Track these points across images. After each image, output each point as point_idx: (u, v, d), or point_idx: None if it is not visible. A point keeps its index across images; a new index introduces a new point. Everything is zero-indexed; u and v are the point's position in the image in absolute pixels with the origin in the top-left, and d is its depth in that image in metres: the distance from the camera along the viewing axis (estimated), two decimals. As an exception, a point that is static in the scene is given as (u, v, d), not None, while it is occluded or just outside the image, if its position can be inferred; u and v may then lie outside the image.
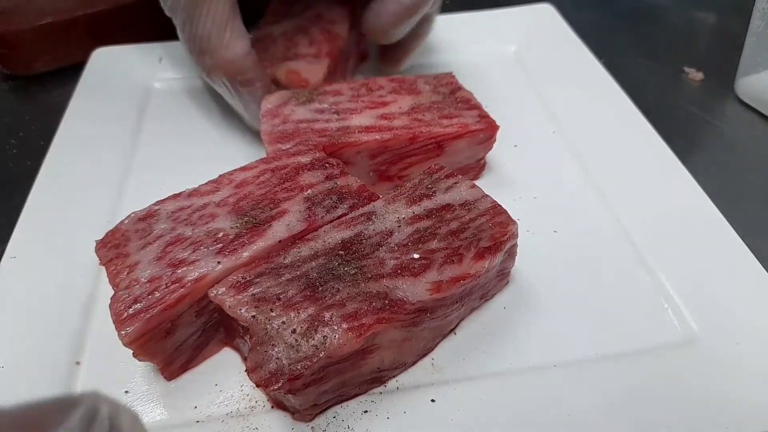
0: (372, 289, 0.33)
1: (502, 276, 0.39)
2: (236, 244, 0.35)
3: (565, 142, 0.52)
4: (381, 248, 0.35)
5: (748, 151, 0.54)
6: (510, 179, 0.48)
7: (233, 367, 0.36)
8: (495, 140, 0.46)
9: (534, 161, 0.50)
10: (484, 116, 0.45)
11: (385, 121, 0.44)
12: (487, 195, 0.38)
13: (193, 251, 0.35)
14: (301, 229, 0.36)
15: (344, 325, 0.31)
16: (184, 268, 0.34)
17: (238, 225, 0.36)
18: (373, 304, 0.32)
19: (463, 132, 0.44)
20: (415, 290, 0.33)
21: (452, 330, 0.37)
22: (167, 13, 0.45)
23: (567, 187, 0.47)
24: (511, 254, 0.38)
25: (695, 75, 0.63)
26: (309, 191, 0.38)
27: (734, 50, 0.59)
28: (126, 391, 0.35)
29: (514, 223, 0.37)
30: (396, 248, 0.35)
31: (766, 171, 0.51)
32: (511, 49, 0.63)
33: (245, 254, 0.34)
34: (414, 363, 0.36)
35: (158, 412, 0.34)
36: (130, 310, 0.32)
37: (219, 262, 0.34)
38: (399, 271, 0.34)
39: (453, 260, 0.35)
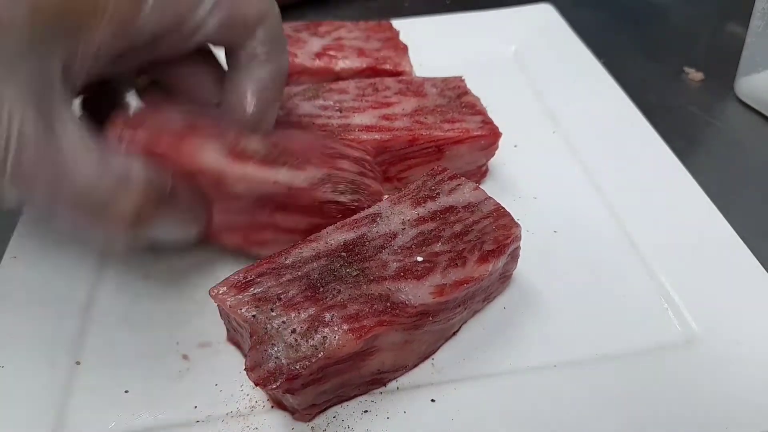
0: (374, 291, 0.33)
1: (504, 278, 0.39)
2: None
3: (565, 142, 0.52)
4: (384, 250, 0.35)
5: (748, 151, 0.54)
6: (510, 179, 0.48)
7: (233, 367, 0.36)
8: (497, 147, 0.45)
9: (534, 161, 0.50)
10: (487, 122, 0.45)
11: (387, 122, 0.44)
12: (490, 197, 0.39)
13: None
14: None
15: (344, 327, 0.31)
16: None
17: None
18: (375, 306, 0.32)
19: (464, 137, 0.44)
20: (417, 293, 0.33)
21: (454, 333, 0.37)
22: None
23: (567, 187, 0.47)
24: (514, 257, 0.38)
25: (695, 75, 0.63)
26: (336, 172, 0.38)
27: (734, 50, 0.59)
28: (126, 391, 0.35)
29: (517, 225, 0.37)
30: (399, 251, 0.35)
31: (766, 171, 0.51)
32: (511, 49, 0.63)
33: None
34: (415, 365, 0.36)
35: (158, 412, 0.34)
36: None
37: None
38: (402, 274, 0.34)
39: (456, 263, 0.35)
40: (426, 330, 0.34)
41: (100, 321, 0.39)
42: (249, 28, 0.36)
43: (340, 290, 0.33)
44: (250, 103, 0.37)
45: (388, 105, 0.46)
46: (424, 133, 0.44)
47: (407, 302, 0.33)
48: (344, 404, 0.34)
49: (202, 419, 0.34)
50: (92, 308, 0.39)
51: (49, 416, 0.33)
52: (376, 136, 0.43)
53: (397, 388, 0.35)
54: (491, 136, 0.45)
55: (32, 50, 0.28)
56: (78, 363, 0.36)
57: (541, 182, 0.48)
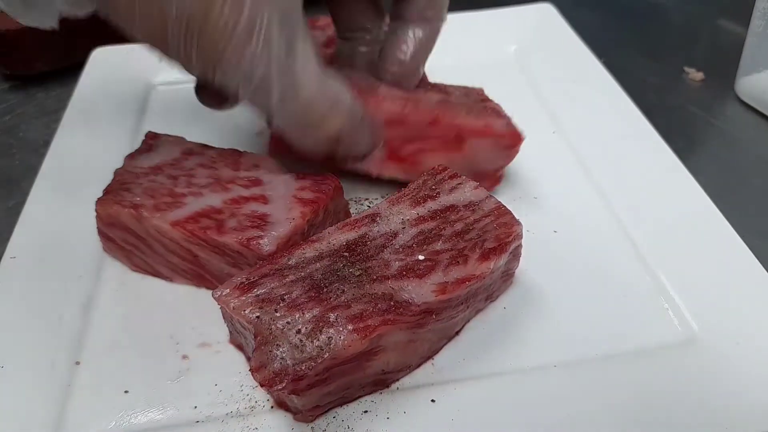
0: (377, 290, 0.33)
1: (507, 277, 0.39)
2: None
3: (565, 142, 0.52)
4: (386, 250, 0.35)
5: (748, 151, 0.54)
6: (510, 179, 0.48)
7: (233, 367, 0.36)
8: (518, 151, 0.45)
9: (534, 161, 0.50)
10: (510, 125, 0.44)
11: (412, 102, 0.43)
12: (491, 196, 0.38)
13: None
14: None
15: (349, 327, 0.31)
16: None
17: None
18: (379, 305, 0.32)
19: (487, 131, 0.43)
20: (420, 292, 0.33)
21: (457, 332, 0.37)
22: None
23: (567, 187, 0.47)
24: (516, 255, 0.38)
25: (695, 75, 0.63)
26: None
27: (734, 50, 0.59)
28: (126, 391, 0.35)
29: (518, 223, 0.37)
30: (401, 250, 0.35)
31: (766, 171, 0.51)
32: (511, 49, 0.62)
33: None
34: (419, 365, 0.36)
35: (158, 412, 0.34)
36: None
37: None
38: (404, 273, 0.34)
39: (458, 261, 0.35)
40: (429, 329, 0.34)
41: (100, 321, 0.39)
42: None
43: (343, 290, 0.33)
44: (406, 60, 0.42)
45: (415, 93, 0.45)
46: (447, 115, 0.43)
47: (410, 301, 0.33)
48: (344, 404, 0.34)
49: (202, 419, 0.34)
50: (92, 308, 0.39)
51: (49, 416, 0.33)
52: (399, 105, 0.42)
53: (397, 388, 0.35)
54: (514, 137, 0.44)
55: None
56: (78, 363, 0.36)
57: (541, 182, 0.48)
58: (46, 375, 0.35)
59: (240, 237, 0.36)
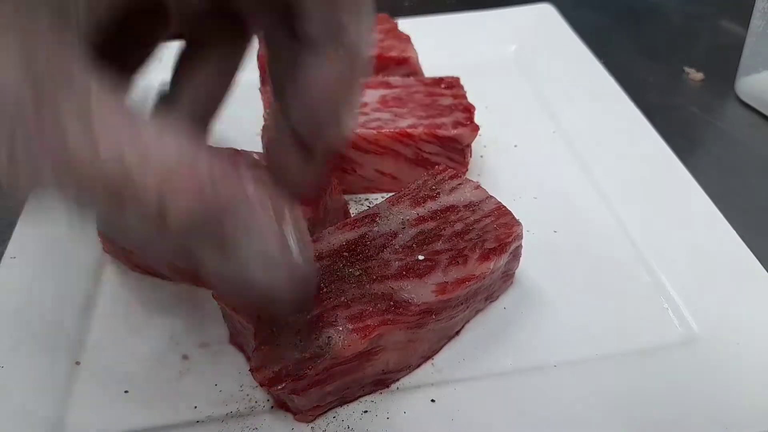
0: (377, 290, 0.33)
1: (507, 277, 0.39)
2: None
3: (565, 142, 0.52)
4: (386, 250, 0.35)
5: (748, 151, 0.54)
6: (510, 179, 0.48)
7: (233, 368, 0.36)
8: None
9: (534, 161, 0.50)
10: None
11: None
12: (491, 196, 0.38)
13: None
14: None
15: (349, 326, 0.31)
16: None
17: None
18: (378, 305, 0.32)
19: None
20: (420, 292, 0.33)
21: (457, 332, 0.37)
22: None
23: (567, 187, 0.47)
24: (516, 255, 0.38)
25: (695, 75, 0.63)
26: None
27: (734, 50, 0.59)
28: (126, 391, 0.35)
29: (518, 224, 0.37)
30: (400, 250, 0.35)
31: (766, 171, 0.51)
32: (511, 49, 0.62)
33: None
34: (418, 365, 0.36)
35: (158, 412, 0.34)
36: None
37: None
38: (404, 273, 0.34)
39: (458, 261, 0.35)
40: (429, 329, 0.34)
41: (100, 321, 0.39)
42: None
43: (343, 290, 0.33)
44: (321, 106, 0.26)
45: None
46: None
47: (410, 301, 0.33)
48: (344, 404, 0.34)
49: (202, 419, 0.34)
50: (92, 308, 0.39)
51: (49, 416, 0.33)
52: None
53: (397, 388, 0.35)
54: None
55: None
56: (78, 363, 0.36)
57: (541, 182, 0.48)
58: (46, 375, 0.35)
59: None
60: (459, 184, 0.39)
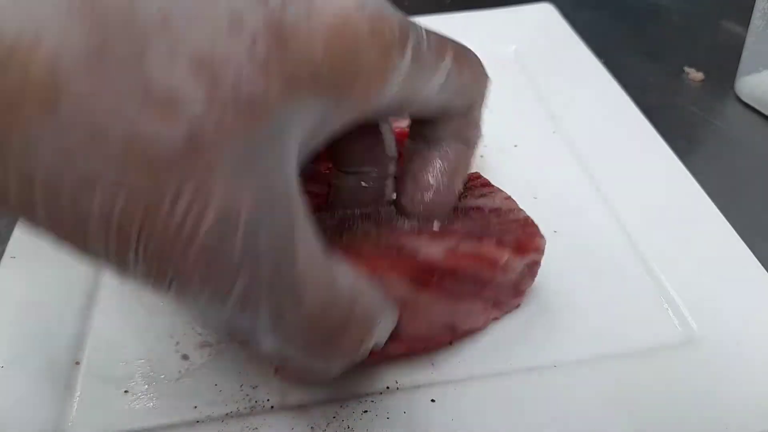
0: (385, 241, 0.33)
1: (517, 293, 0.38)
2: None
3: (565, 142, 0.52)
4: (401, 219, 0.34)
5: (748, 151, 0.54)
6: (510, 179, 0.48)
7: (233, 367, 0.36)
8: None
9: (534, 161, 0.50)
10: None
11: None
12: (521, 209, 0.37)
13: None
14: None
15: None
16: None
17: None
18: (387, 252, 0.32)
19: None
20: (429, 248, 0.32)
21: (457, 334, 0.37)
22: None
23: (567, 187, 0.47)
24: (532, 271, 0.37)
25: (695, 75, 0.63)
26: None
27: (734, 50, 0.59)
28: (126, 391, 0.35)
29: (542, 237, 0.36)
30: (416, 221, 0.35)
31: (766, 171, 0.51)
32: (511, 49, 0.62)
33: None
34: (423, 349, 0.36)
35: (158, 412, 0.34)
36: None
37: None
38: (416, 233, 0.33)
39: (473, 239, 0.34)
40: (430, 298, 0.33)
41: (100, 321, 0.39)
42: (467, 107, 0.32)
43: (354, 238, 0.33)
44: (440, 184, 0.33)
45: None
46: None
47: (416, 250, 0.32)
48: (344, 404, 0.34)
49: (202, 419, 0.34)
50: (92, 308, 0.39)
51: (49, 416, 0.33)
52: None
53: (397, 388, 0.35)
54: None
55: (277, 135, 0.20)
56: (78, 363, 0.36)
57: (541, 182, 0.47)
58: (46, 375, 0.35)
59: None
60: (490, 191, 0.38)
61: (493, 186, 0.39)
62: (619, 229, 0.44)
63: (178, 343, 0.37)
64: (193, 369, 0.36)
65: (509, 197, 0.39)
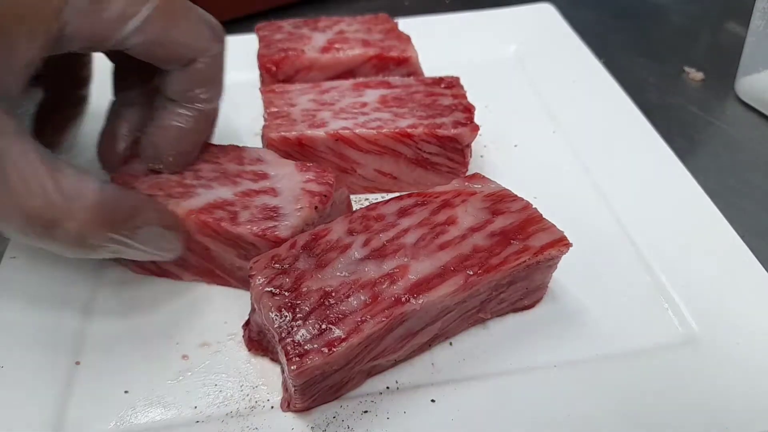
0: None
1: (527, 293, 0.38)
2: None
3: (565, 142, 0.52)
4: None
5: (748, 151, 0.54)
6: (510, 179, 0.48)
7: (233, 367, 0.36)
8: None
9: (534, 161, 0.50)
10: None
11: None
12: (556, 228, 0.38)
13: None
14: None
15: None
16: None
17: None
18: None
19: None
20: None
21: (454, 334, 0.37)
22: None
23: (567, 187, 0.47)
24: (544, 277, 0.38)
25: (695, 75, 0.63)
26: None
27: (734, 50, 0.59)
28: (126, 391, 0.35)
29: (569, 244, 0.36)
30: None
31: (766, 171, 0.51)
32: (511, 49, 0.62)
33: None
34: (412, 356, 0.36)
35: (158, 412, 0.34)
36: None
37: None
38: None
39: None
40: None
41: (100, 321, 0.39)
42: (179, 60, 0.36)
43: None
44: (168, 148, 0.38)
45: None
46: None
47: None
48: (344, 404, 0.34)
49: (202, 419, 0.34)
50: (92, 308, 0.39)
51: (49, 416, 0.33)
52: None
53: (398, 388, 0.35)
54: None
55: None
56: (78, 363, 0.36)
57: (541, 182, 0.47)
58: (46, 375, 0.35)
59: (255, 228, 0.36)
60: (512, 200, 0.40)
61: (515, 196, 0.40)
62: (618, 229, 0.44)
63: (178, 343, 0.37)
64: (193, 369, 0.36)
65: (529, 204, 0.39)
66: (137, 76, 0.40)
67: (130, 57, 0.36)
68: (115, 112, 0.42)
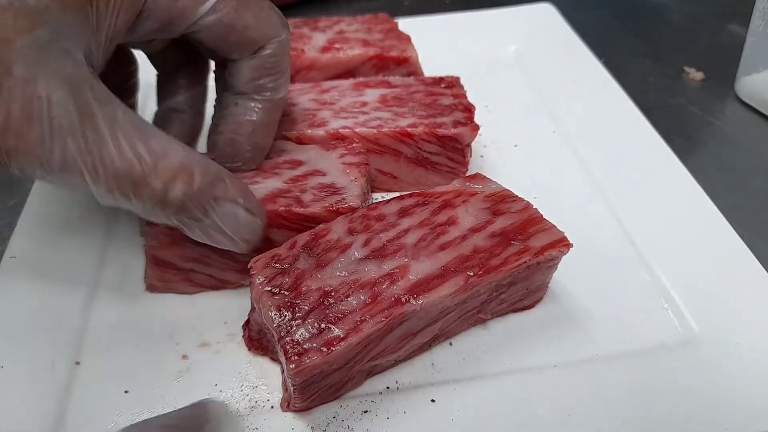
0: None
1: (527, 293, 0.38)
2: None
3: (565, 142, 0.52)
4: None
5: (748, 151, 0.54)
6: (510, 179, 0.48)
7: (233, 367, 0.36)
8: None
9: (534, 161, 0.50)
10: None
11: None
12: (552, 224, 0.38)
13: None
14: None
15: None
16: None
17: None
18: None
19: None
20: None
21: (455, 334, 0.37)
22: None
23: (567, 187, 0.47)
24: (546, 276, 0.38)
25: (695, 75, 0.63)
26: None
27: (734, 50, 0.59)
28: (126, 391, 0.35)
29: (569, 245, 0.36)
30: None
31: (766, 171, 0.51)
32: (511, 49, 0.63)
33: None
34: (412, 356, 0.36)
35: (158, 413, 0.34)
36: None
37: None
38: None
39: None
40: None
41: (100, 321, 0.39)
42: (250, 45, 0.36)
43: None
44: (245, 143, 0.38)
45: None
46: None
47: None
48: (344, 404, 0.34)
49: (202, 419, 0.34)
50: (92, 308, 0.39)
51: (49, 416, 0.33)
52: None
53: (398, 388, 0.35)
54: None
55: (58, 39, 0.29)
56: (78, 363, 0.36)
57: (541, 182, 0.47)
58: (46, 375, 0.35)
59: (326, 204, 0.37)
60: (513, 201, 0.40)
61: (516, 197, 0.40)
62: (618, 229, 0.44)
63: (178, 343, 0.37)
64: (193, 369, 0.36)
65: (529, 204, 0.39)
66: (185, 79, 0.41)
67: (177, 60, 0.38)
68: (163, 121, 0.41)
